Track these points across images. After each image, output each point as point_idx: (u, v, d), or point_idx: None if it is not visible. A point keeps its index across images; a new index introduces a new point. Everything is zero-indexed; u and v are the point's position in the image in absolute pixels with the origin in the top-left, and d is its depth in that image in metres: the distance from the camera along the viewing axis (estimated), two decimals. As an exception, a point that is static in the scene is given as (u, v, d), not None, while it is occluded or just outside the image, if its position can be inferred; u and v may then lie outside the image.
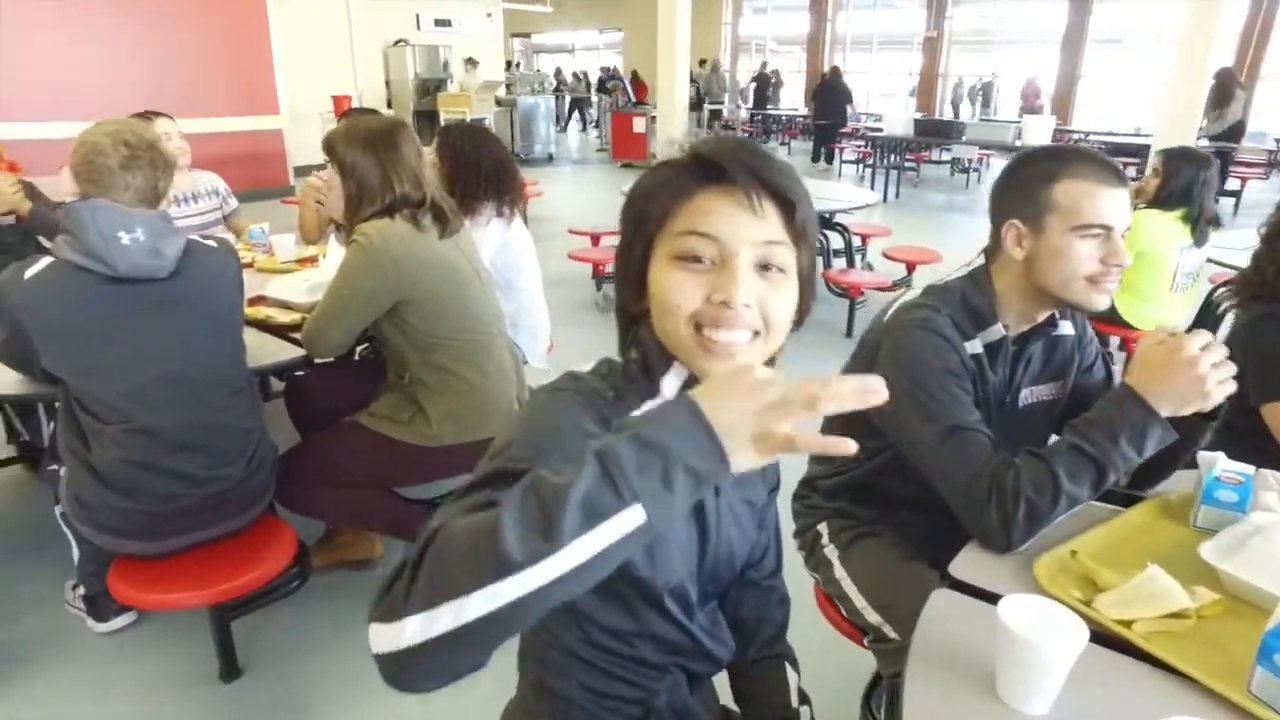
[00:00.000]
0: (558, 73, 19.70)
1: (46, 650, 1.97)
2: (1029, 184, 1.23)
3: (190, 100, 7.03)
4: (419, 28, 11.57)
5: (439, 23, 11.79)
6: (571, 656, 0.89)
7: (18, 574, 2.23)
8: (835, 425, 1.50)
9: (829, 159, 12.28)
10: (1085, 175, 1.18)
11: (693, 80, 12.07)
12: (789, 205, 0.75)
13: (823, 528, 1.46)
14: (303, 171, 8.69)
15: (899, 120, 9.90)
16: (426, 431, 1.92)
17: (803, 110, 15.53)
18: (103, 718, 1.80)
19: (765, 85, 15.71)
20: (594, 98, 17.65)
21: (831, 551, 1.42)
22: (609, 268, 4.71)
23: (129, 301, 1.61)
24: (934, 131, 9.77)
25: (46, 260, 1.58)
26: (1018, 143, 8.65)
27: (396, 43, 11.19)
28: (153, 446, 1.63)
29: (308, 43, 9.44)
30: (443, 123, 9.41)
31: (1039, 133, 8.20)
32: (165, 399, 1.65)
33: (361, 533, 2.22)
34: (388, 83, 11.28)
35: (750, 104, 16.15)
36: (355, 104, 9.12)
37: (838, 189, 6.27)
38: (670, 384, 0.81)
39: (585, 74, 19.96)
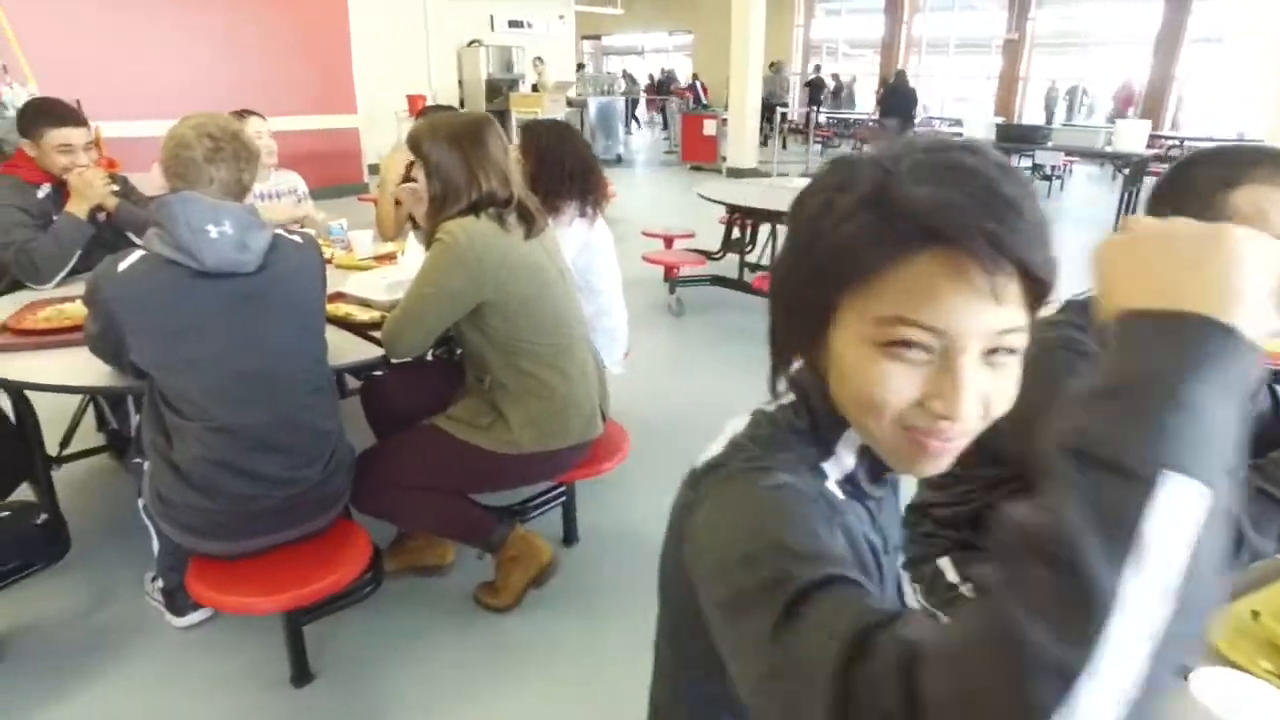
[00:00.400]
0: (624, 74, 19.80)
1: (130, 640, 1.98)
2: (1199, 188, 1.08)
3: (274, 99, 7.21)
4: (493, 29, 11.70)
5: (512, 24, 11.89)
6: None
7: (106, 561, 2.25)
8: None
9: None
10: (1278, 179, 1.03)
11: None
12: (1037, 278, 0.55)
13: (944, 562, 1.33)
14: (378, 170, 8.84)
15: (979, 124, 9.53)
16: (506, 437, 1.86)
17: (874, 114, 15.22)
18: (178, 714, 1.79)
19: (819, 89, 15.67)
20: (642, 98, 17.76)
21: (971, 589, 1.28)
22: (682, 271, 4.62)
23: (215, 296, 1.58)
24: (1017, 136, 9.36)
25: (139, 253, 1.57)
26: (1108, 148, 8.24)
27: (471, 43, 11.32)
28: (234, 445, 1.60)
29: (385, 43, 9.63)
30: (514, 122, 9.49)
31: (1133, 138, 7.77)
32: (247, 396, 1.62)
33: (434, 538, 2.17)
34: (460, 83, 11.42)
35: (804, 106, 16.00)
36: (430, 103, 9.24)
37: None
38: (847, 448, 0.66)
39: (653, 75, 19.97)
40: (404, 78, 9.99)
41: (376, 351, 1.96)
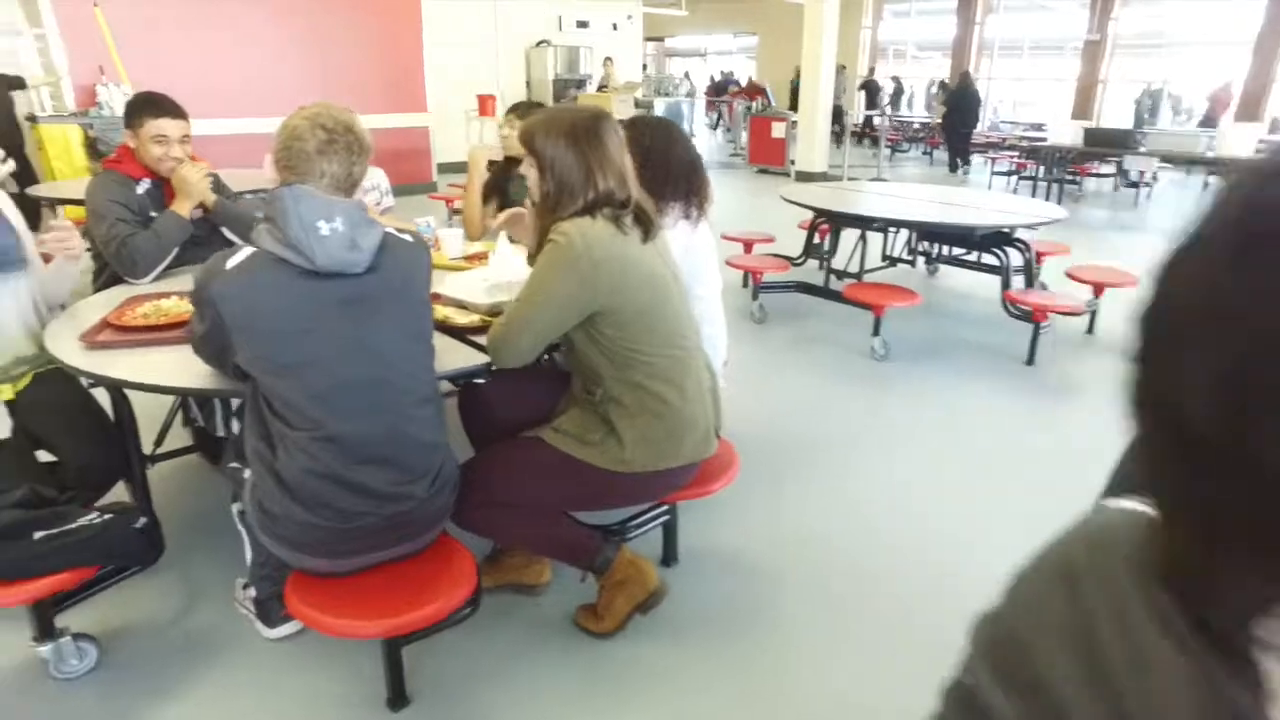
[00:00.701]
0: (685, 75, 19.67)
1: (221, 648, 1.93)
2: None
3: (350, 98, 7.27)
4: (560, 29, 11.68)
5: (580, 24, 11.87)
6: None
7: (196, 564, 2.21)
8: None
9: (953, 169, 11.81)
10: None
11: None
12: None
13: None
14: (446, 169, 8.89)
15: (1065, 129, 9.12)
16: (618, 455, 1.73)
17: (936, 117, 14.80)
18: (269, 732, 1.72)
19: (875, 92, 15.44)
20: (701, 100, 17.69)
21: None
22: (765, 276, 4.45)
23: (325, 297, 1.50)
24: (1106, 141, 8.94)
25: (248, 250, 1.50)
26: (1209, 154, 7.80)
27: (539, 43, 11.32)
28: (340, 456, 1.51)
29: (455, 43, 9.68)
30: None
31: (1239, 142, 7.33)
32: (355, 405, 1.53)
33: (532, 556, 2.06)
34: (528, 83, 11.43)
35: (864, 110, 15.73)
36: (499, 103, 9.26)
37: (1014, 202, 5.81)
38: None
39: (713, 77, 19.78)
40: (473, 77, 10.04)
41: (478, 358, 1.86)
